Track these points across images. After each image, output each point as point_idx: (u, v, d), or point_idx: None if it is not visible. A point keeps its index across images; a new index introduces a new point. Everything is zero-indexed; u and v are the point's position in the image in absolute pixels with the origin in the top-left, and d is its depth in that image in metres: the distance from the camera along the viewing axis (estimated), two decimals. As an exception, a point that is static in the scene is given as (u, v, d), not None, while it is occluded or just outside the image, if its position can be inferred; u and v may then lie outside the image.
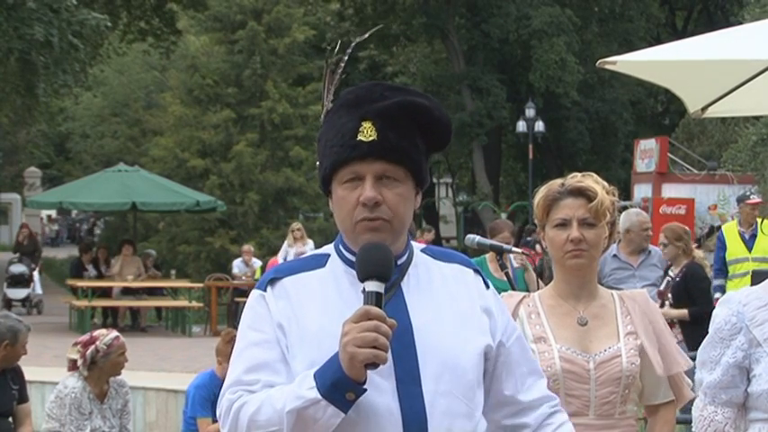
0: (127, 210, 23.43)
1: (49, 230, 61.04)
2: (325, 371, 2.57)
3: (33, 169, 50.65)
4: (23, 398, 7.80)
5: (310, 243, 18.92)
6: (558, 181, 3.84)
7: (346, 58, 2.90)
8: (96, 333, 7.79)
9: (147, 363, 15.44)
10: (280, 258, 18.62)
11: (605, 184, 3.85)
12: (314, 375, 2.58)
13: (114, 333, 7.66)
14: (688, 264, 9.05)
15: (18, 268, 23.61)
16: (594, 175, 3.86)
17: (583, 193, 3.75)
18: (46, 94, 25.56)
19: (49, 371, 13.62)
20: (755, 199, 12.08)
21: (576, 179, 3.81)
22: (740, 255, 11.67)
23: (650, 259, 9.53)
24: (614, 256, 9.44)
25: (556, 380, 3.71)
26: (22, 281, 23.58)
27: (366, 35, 3.10)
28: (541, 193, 3.82)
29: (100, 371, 7.50)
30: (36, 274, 24.23)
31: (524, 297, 3.88)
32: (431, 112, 2.77)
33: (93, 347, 7.49)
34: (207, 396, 8.15)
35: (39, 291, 24.04)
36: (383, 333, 2.53)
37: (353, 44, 2.96)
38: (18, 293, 23.55)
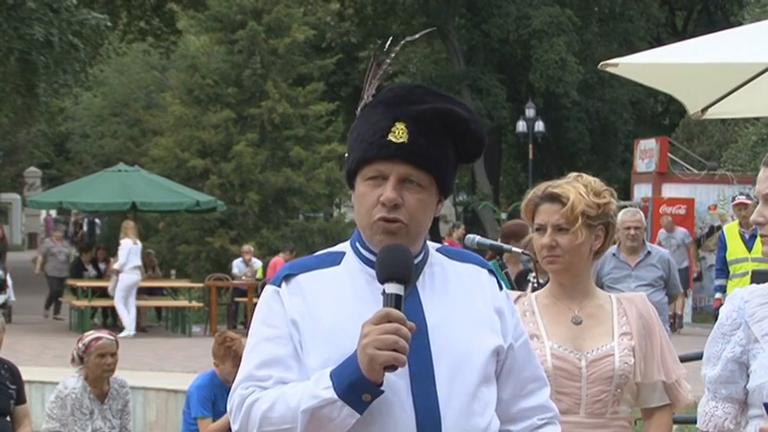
0: (127, 210, 23.40)
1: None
2: (343, 371, 2.56)
3: (33, 169, 50.60)
4: (21, 399, 7.77)
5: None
6: (544, 184, 3.86)
7: (393, 55, 2.89)
8: (87, 332, 7.81)
9: (147, 363, 15.46)
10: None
11: (597, 186, 3.82)
12: (330, 375, 2.57)
13: (97, 334, 7.63)
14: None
15: None
16: (586, 177, 3.85)
17: (557, 199, 3.77)
18: (46, 94, 25.55)
19: (49, 371, 13.64)
20: (741, 199, 12.10)
21: (558, 183, 3.83)
22: (740, 255, 11.68)
23: (649, 259, 9.49)
24: (613, 255, 9.42)
25: (547, 377, 3.72)
26: None
27: (417, 36, 3.09)
28: (527, 197, 3.86)
29: (88, 370, 7.51)
30: (9, 278, 22.54)
31: (520, 296, 3.91)
32: (467, 123, 2.74)
33: (78, 345, 7.53)
34: (208, 396, 8.15)
35: (13, 297, 22.32)
36: (403, 336, 2.53)
37: (403, 42, 2.94)
38: None
